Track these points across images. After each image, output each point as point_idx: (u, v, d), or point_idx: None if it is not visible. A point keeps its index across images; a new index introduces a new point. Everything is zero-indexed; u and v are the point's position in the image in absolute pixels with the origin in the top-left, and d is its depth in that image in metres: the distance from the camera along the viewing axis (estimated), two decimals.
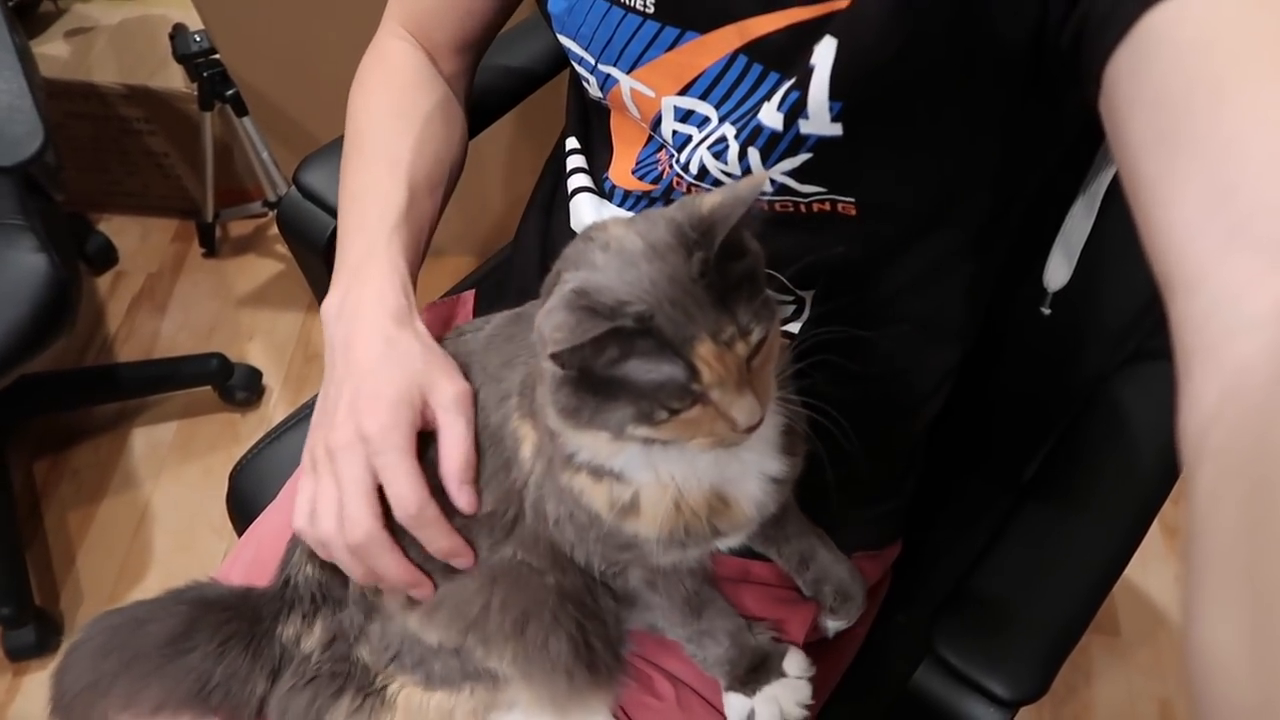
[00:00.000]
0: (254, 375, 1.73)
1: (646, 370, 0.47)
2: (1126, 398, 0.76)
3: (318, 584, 0.66)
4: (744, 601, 0.73)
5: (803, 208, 0.66)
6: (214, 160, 1.75)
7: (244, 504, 0.95)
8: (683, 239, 0.49)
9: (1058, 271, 0.76)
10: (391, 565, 0.61)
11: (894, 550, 0.84)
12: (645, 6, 0.64)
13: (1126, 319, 0.77)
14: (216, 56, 1.56)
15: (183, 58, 1.54)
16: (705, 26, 0.62)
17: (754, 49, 0.61)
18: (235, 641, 0.64)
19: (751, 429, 0.49)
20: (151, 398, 1.73)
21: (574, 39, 0.69)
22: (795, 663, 0.68)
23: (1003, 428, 0.89)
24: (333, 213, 0.88)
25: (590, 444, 0.53)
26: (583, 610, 0.63)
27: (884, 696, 0.84)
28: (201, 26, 1.52)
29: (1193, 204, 0.38)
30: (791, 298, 0.69)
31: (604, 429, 0.49)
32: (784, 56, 0.59)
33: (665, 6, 0.63)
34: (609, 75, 0.68)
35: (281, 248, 1.97)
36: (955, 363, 0.76)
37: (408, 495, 0.59)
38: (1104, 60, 0.45)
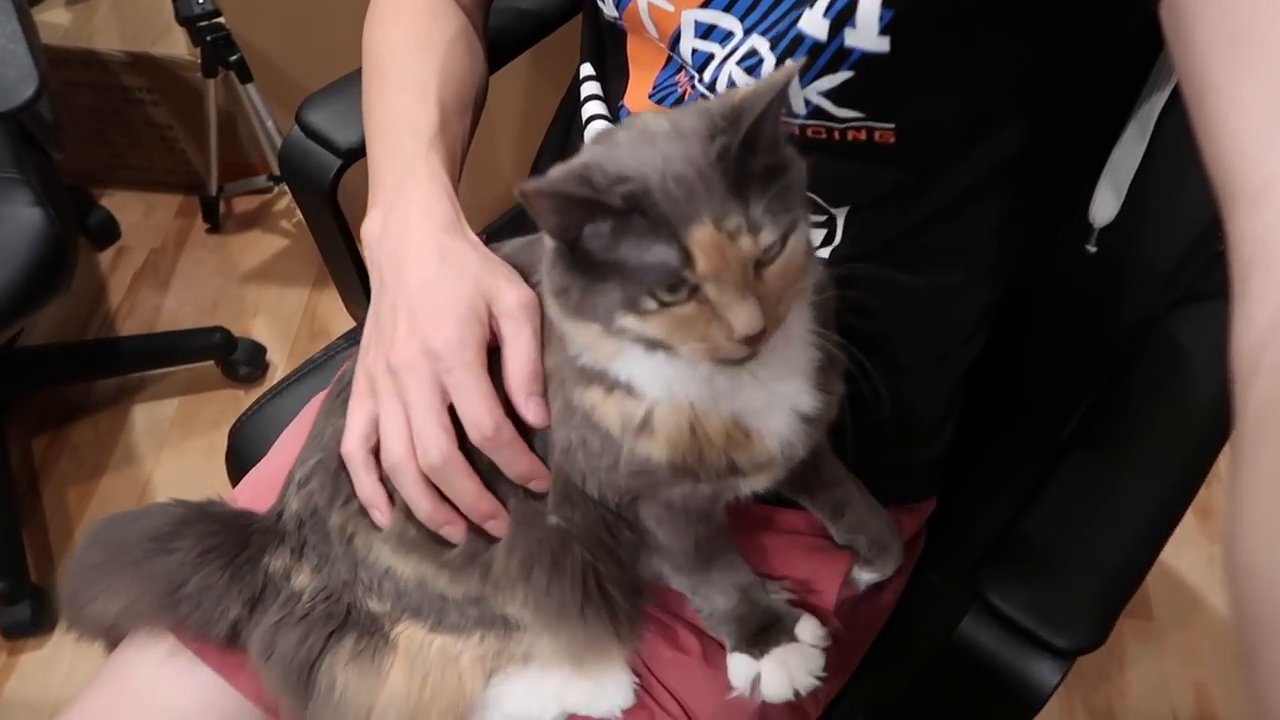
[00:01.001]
0: (258, 350, 1.69)
1: (638, 251, 0.43)
2: (1181, 338, 0.71)
3: (298, 521, 0.62)
4: (771, 552, 0.69)
5: (836, 134, 0.62)
6: (217, 131, 1.71)
7: (244, 463, 0.91)
8: (711, 125, 0.45)
9: (1105, 205, 0.72)
10: (470, 490, 0.56)
11: (929, 506, 0.80)
12: None
13: (1177, 256, 0.73)
14: (220, 20, 1.52)
15: (185, 20, 1.50)
16: None
17: None
18: (217, 555, 0.60)
19: (752, 342, 0.44)
20: (153, 373, 1.69)
21: None
22: (809, 629, 0.63)
23: (1040, 383, 0.85)
24: (339, 152, 0.85)
25: (587, 341, 0.49)
26: (596, 552, 0.58)
27: (915, 662, 0.79)
28: None
29: (1264, 110, 0.36)
30: (824, 216, 0.65)
31: (594, 318, 0.46)
32: None
33: None
34: None
35: (287, 223, 1.93)
36: (994, 302, 0.72)
37: (483, 413, 0.54)
38: None
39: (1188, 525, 1.51)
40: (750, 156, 0.44)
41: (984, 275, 0.69)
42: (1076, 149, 0.69)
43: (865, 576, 0.70)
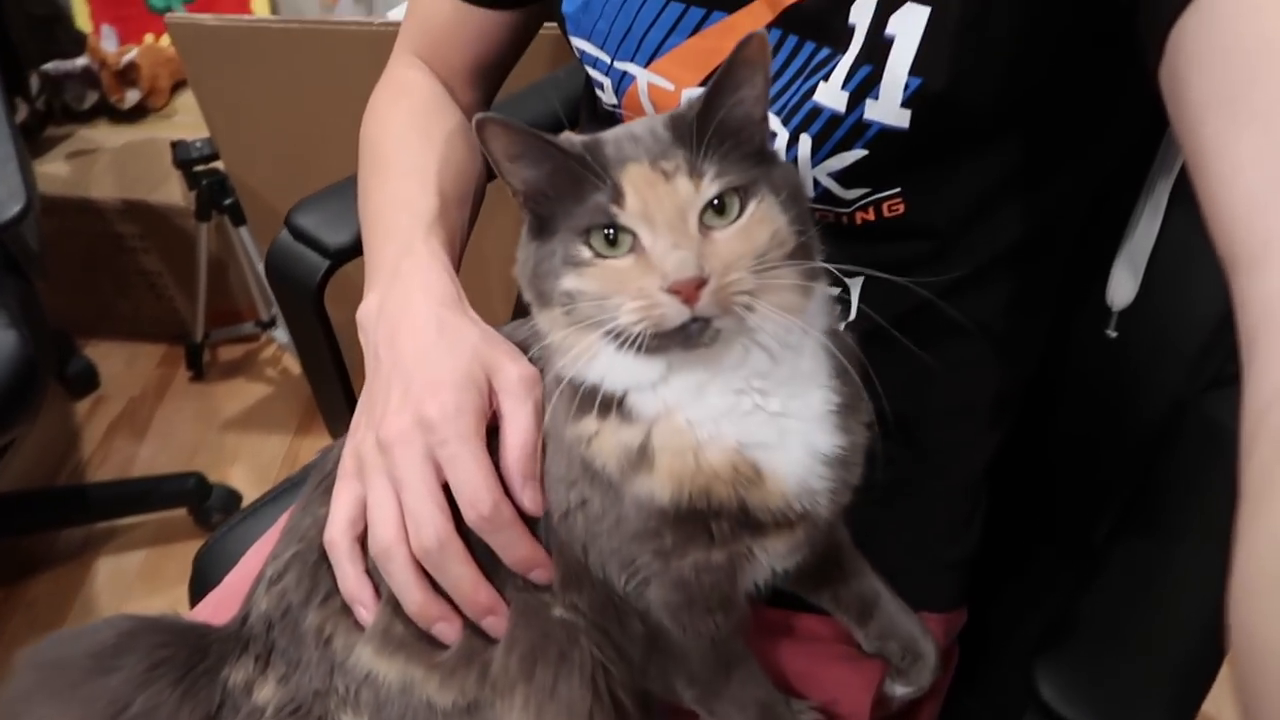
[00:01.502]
0: (233, 497, 1.62)
1: (577, 195, 0.44)
2: (1217, 420, 0.67)
3: (266, 623, 0.55)
4: (794, 662, 0.62)
5: (844, 219, 0.61)
6: (207, 276, 1.71)
7: (207, 590, 0.84)
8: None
9: (1122, 287, 0.70)
10: (467, 578, 0.50)
11: (959, 618, 0.73)
12: None
13: (1203, 338, 0.69)
14: (216, 165, 1.54)
15: (182, 163, 1.53)
16: (734, 3, 0.59)
17: (787, 19, 0.57)
18: (167, 669, 0.52)
19: (690, 297, 0.41)
20: (121, 522, 1.61)
21: (589, 38, 0.66)
22: None
23: (1069, 481, 0.80)
24: (327, 253, 0.82)
25: (557, 337, 0.47)
26: (605, 650, 0.51)
27: None
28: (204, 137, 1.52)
29: (1260, 175, 0.36)
30: (838, 289, 0.62)
31: (550, 296, 0.46)
32: (821, 22, 0.56)
33: None
34: (625, 73, 0.65)
35: (272, 370, 1.90)
36: (1014, 387, 0.69)
37: (481, 489, 0.49)
38: (1169, 24, 0.42)
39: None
40: (707, 122, 0.44)
41: (1001, 355, 0.66)
42: (1091, 227, 0.67)
43: (899, 690, 0.62)
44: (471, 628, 0.51)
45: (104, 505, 1.59)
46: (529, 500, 0.50)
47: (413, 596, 0.51)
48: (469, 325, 0.56)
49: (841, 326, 0.63)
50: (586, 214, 0.44)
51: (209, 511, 1.59)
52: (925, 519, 0.68)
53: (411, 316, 0.56)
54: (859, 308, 0.63)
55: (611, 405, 0.46)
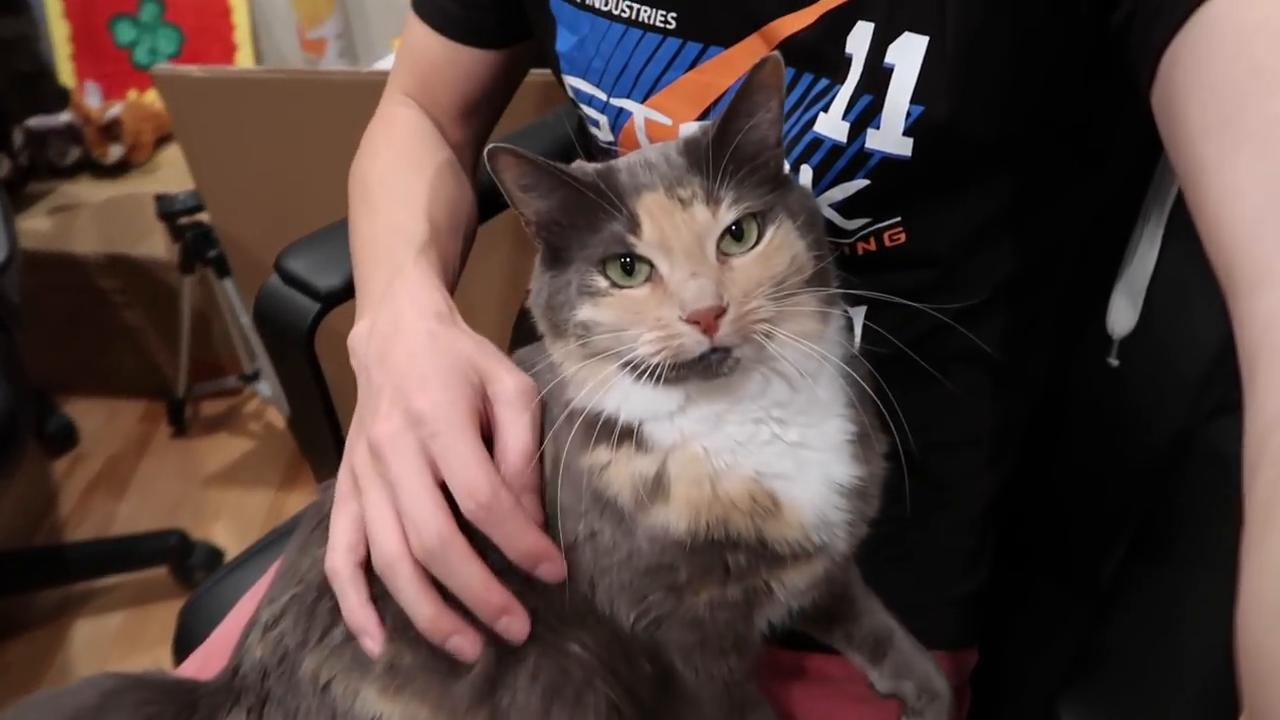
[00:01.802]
0: (215, 555, 1.58)
1: (592, 225, 0.43)
2: (1223, 448, 0.66)
3: (261, 672, 0.52)
4: (807, 705, 0.60)
5: (845, 249, 0.60)
6: (190, 330, 1.69)
7: (193, 646, 0.81)
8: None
9: (1122, 315, 0.69)
10: (476, 577, 0.47)
11: (971, 657, 0.71)
12: (666, 22, 0.61)
13: (1205, 366, 0.69)
14: (200, 217, 1.53)
15: (166, 215, 1.52)
16: (731, 37, 0.59)
17: (784, 51, 0.57)
18: None
19: (710, 328, 0.41)
20: (99, 583, 1.56)
21: (584, 77, 0.66)
22: None
23: (1077, 514, 0.79)
24: (317, 296, 0.81)
25: (572, 369, 0.46)
26: (616, 690, 0.49)
27: None
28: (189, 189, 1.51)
29: (1258, 196, 0.36)
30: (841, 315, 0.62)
31: (565, 327, 0.45)
32: (818, 53, 0.56)
33: (688, 19, 0.60)
34: (621, 109, 0.65)
35: (255, 424, 1.87)
36: (1018, 416, 0.69)
37: (477, 478, 0.46)
38: (1162, 46, 0.42)
39: None
40: (723, 148, 0.44)
41: (1005, 385, 0.66)
42: (1090, 255, 0.67)
43: None
44: (486, 656, 0.48)
45: (82, 565, 1.54)
46: (530, 506, 0.48)
47: (423, 611, 0.47)
48: (463, 336, 0.54)
49: (857, 350, 0.63)
50: (602, 243, 0.43)
51: (191, 570, 1.55)
52: (934, 552, 0.66)
53: (403, 331, 0.54)
54: (862, 338, 0.62)
55: (627, 435, 0.45)
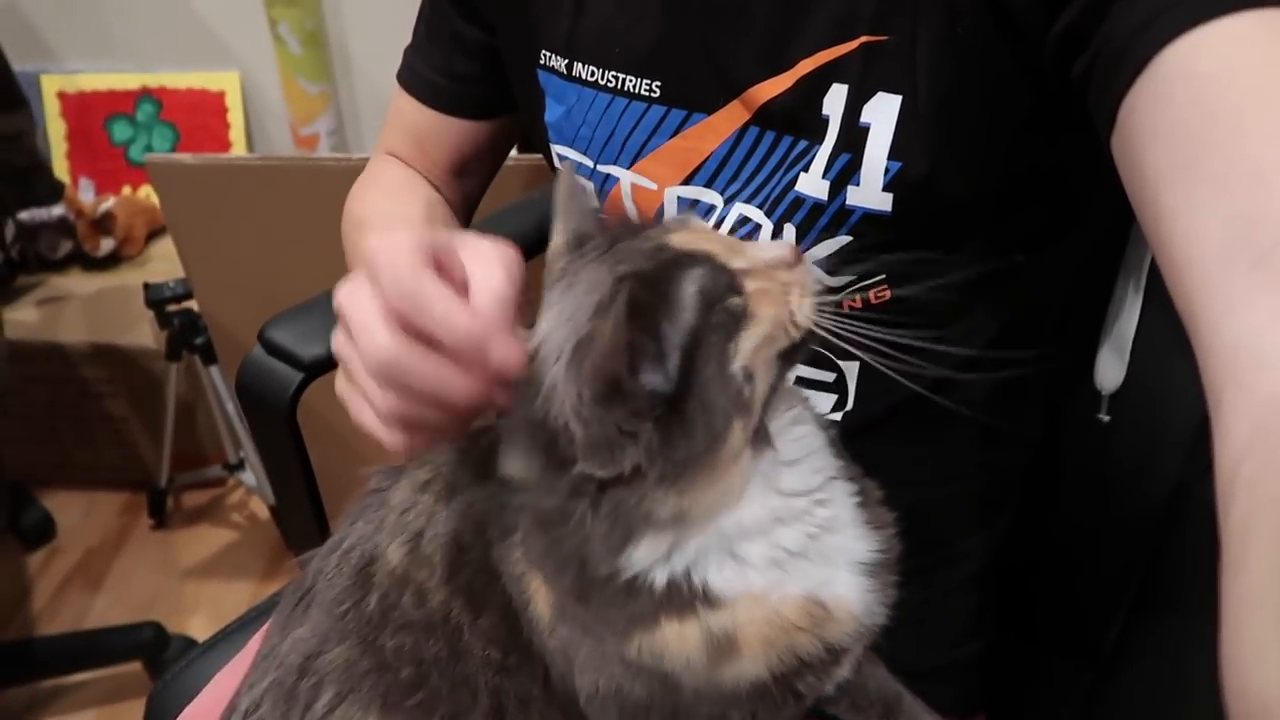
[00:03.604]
0: (191, 648, 1.52)
1: (708, 360, 0.40)
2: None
3: None
4: None
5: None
6: (174, 419, 1.67)
7: None
8: None
9: (1110, 370, 0.69)
10: (430, 372, 0.41)
11: None
12: (650, 91, 0.62)
13: (1198, 419, 0.69)
14: (189, 304, 1.54)
15: (154, 303, 1.52)
16: (713, 104, 0.60)
17: (763, 116, 0.59)
18: None
19: (793, 253, 0.44)
20: (70, 679, 1.50)
21: (571, 145, 0.67)
22: None
23: (1075, 578, 0.77)
24: (301, 365, 0.80)
25: (704, 500, 0.41)
26: None
27: None
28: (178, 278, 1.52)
29: (1215, 237, 0.38)
30: (833, 375, 0.61)
31: (717, 438, 0.40)
32: (797, 116, 0.57)
33: (671, 88, 0.62)
34: (608, 175, 0.66)
35: (238, 515, 1.84)
36: (1013, 474, 0.68)
37: (398, 262, 0.41)
38: (1120, 96, 0.43)
39: None
40: None
41: (999, 441, 0.65)
42: (1076, 310, 0.67)
43: None
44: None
45: (51, 660, 1.49)
46: (503, 352, 0.41)
47: (395, 440, 0.45)
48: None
49: (839, 417, 0.62)
50: (707, 288, 0.41)
51: (166, 665, 1.49)
52: (936, 613, 0.65)
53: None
54: (855, 395, 0.62)
55: (696, 593, 0.42)
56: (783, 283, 0.43)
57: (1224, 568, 0.30)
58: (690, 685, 0.42)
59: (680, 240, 0.43)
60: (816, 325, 0.43)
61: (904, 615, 0.62)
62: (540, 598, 0.45)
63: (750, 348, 0.41)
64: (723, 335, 0.40)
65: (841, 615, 0.44)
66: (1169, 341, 0.67)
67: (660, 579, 0.41)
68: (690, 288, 0.40)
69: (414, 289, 0.41)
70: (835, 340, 0.43)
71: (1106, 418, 0.70)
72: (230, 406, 1.63)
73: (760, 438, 0.42)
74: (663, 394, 0.38)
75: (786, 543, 0.43)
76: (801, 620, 0.42)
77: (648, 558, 0.41)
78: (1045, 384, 0.67)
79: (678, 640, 0.41)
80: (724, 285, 0.41)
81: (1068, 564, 0.77)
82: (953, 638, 0.66)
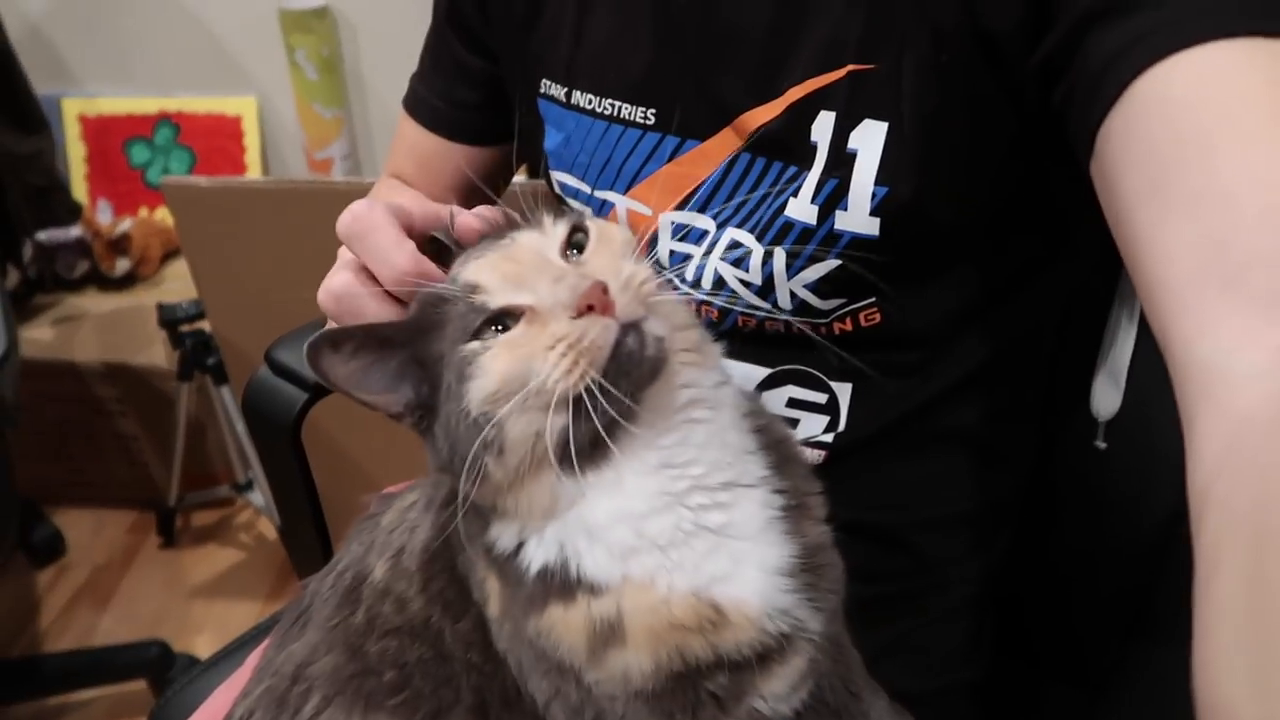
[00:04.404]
0: (197, 667, 1.53)
1: (440, 335, 0.43)
2: None
3: None
4: None
5: (822, 329, 0.61)
6: (185, 439, 1.69)
7: None
8: None
9: (1106, 397, 0.69)
10: (381, 243, 0.48)
11: None
12: (646, 119, 0.64)
13: None
14: (201, 324, 1.55)
15: (167, 323, 1.54)
16: (706, 131, 0.62)
17: (754, 143, 0.60)
18: None
19: (601, 300, 0.39)
20: (75, 696, 1.51)
21: (569, 171, 0.69)
22: None
23: (1073, 603, 0.77)
24: (306, 386, 0.81)
25: (507, 499, 0.43)
26: None
27: None
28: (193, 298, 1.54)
29: (1187, 259, 0.39)
30: (825, 396, 0.62)
31: (468, 442, 0.41)
32: (786, 142, 0.58)
33: (666, 116, 0.63)
34: (605, 201, 0.67)
35: (246, 535, 1.85)
36: (1008, 496, 0.68)
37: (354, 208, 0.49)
38: (1098, 122, 0.44)
39: None
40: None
41: (992, 463, 0.66)
42: (1070, 336, 0.67)
43: None
44: None
45: (57, 677, 1.50)
46: (464, 217, 0.49)
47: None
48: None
49: (831, 439, 0.62)
50: (458, 329, 0.42)
51: (171, 683, 1.49)
52: (933, 636, 0.65)
53: None
54: (848, 417, 0.63)
55: (572, 579, 0.42)
56: (553, 335, 0.40)
57: (1196, 583, 0.30)
58: (589, 677, 0.42)
59: (502, 256, 0.44)
60: (579, 387, 0.39)
61: (897, 638, 0.62)
62: (494, 597, 0.45)
63: (480, 399, 0.41)
64: (455, 378, 0.42)
65: (738, 620, 0.42)
66: (1164, 371, 0.68)
67: (536, 561, 0.43)
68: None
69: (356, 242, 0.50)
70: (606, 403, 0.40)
71: (1103, 445, 0.70)
72: (240, 427, 1.64)
73: (630, 441, 0.41)
74: (415, 404, 0.44)
75: (654, 533, 0.42)
76: (689, 619, 0.41)
77: (509, 540, 0.44)
78: (1040, 409, 0.68)
79: (563, 624, 0.42)
80: (463, 330, 0.43)
81: (1064, 590, 0.77)
82: (948, 662, 0.66)
